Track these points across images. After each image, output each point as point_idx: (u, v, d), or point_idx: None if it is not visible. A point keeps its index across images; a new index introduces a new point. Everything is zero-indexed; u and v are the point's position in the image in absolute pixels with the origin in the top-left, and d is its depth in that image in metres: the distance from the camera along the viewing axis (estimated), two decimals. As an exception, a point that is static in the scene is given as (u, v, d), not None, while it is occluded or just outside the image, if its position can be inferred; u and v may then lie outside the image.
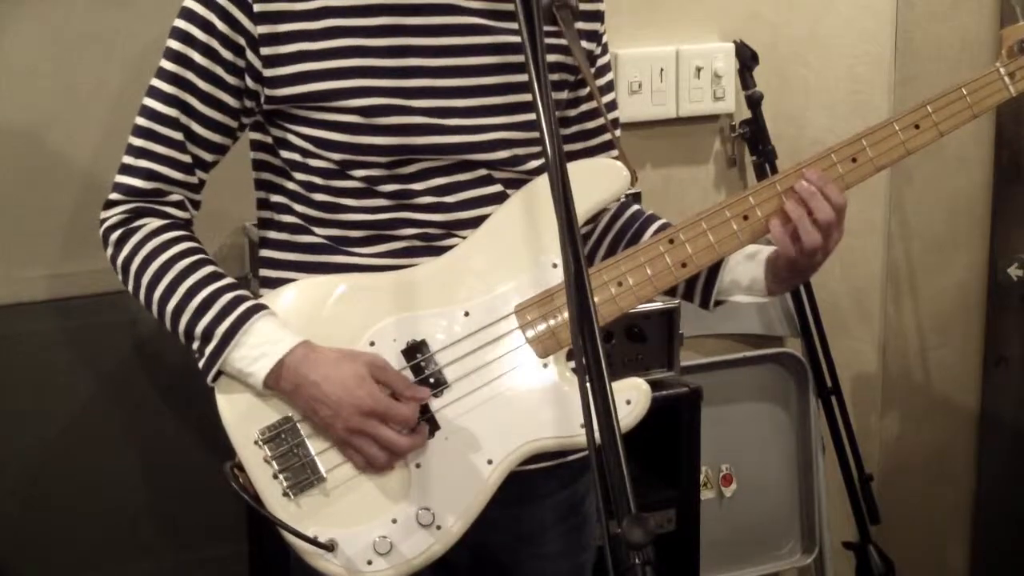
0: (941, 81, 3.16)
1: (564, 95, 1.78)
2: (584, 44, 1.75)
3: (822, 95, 3.04)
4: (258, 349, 1.61)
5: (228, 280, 1.67)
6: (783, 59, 2.99)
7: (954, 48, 3.13)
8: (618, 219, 1.84)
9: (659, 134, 2.89)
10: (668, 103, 2.86)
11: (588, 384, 1.22)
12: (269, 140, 1.71)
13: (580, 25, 1.74)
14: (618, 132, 1.85)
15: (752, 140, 2.92)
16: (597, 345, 1.23)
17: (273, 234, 1.75)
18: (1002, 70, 1.72)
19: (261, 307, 1.64)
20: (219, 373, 1.64)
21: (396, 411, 1.60)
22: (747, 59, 2.88)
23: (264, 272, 1.76)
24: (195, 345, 1.65)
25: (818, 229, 1.66)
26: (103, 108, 2.42)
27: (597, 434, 1.21)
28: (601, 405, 1.21)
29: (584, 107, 1.82)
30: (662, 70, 2.84)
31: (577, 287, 1.25)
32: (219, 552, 2.54)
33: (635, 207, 1.86)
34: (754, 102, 2.89)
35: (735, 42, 2.89)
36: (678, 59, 2.85)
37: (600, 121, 1.83)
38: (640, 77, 2.82)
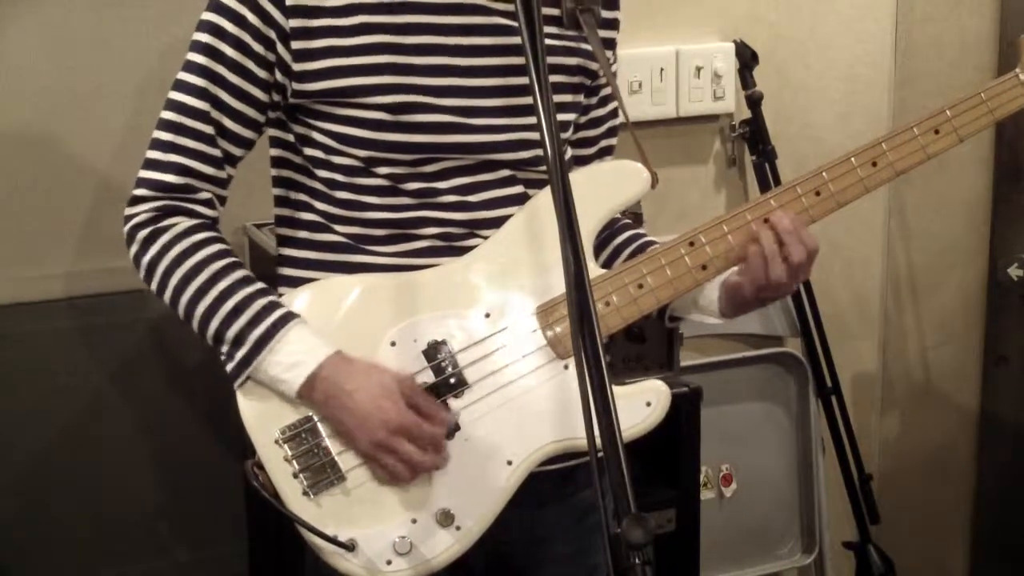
0: (941, 81, 3.18)
1: (580, 99, 1.78)
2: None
3: (822, 95, 3.05)
4: (293, 357, 1.60)
5: (260, 285, 1.65)
6: (783, 59, 2.99)
7: (954, 48, 3.14)
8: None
9: (659, 134, 2.89)
10: (668, 103, 2.86)
11: (588, 384, 1.22)
12: (290, 137, 1.70)
13: (599, 32, 1.74)
14: (615, 140, 1.87)
15: (752, 140, 2.92)
16: (598, 346, 1.23)
17: (292, 232, 1.74)
18: (1021, 76, 1.72)
19: (295, 314, 1.63)
20: (248, 378, 1.63)
21: (424, 431, 1.60)
22: (747, 59, 2.88)
23: (283, 270, 1.75)
24: (224, 349, 1.64)
25: (787, 268, 1.65)
26: (111, 108, 2.42)
27: (598, 436, 1.21)
28: (601, 405, 1.21)
29: (592, 114, 1.83)
30: (662, 70, 2.84)
31: (577, 287, 1.25)
32: (219, 552, 2.54)
33: (624, 221, 1.86)
34: (754, 102, 2.89)
35: (735, 42, 2.90)
36: (678, 59, 2.85)
37: (602, 129, 1.84)
38: (640, 77, 2.82)
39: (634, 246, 1.81)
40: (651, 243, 1.79)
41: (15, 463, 2.40)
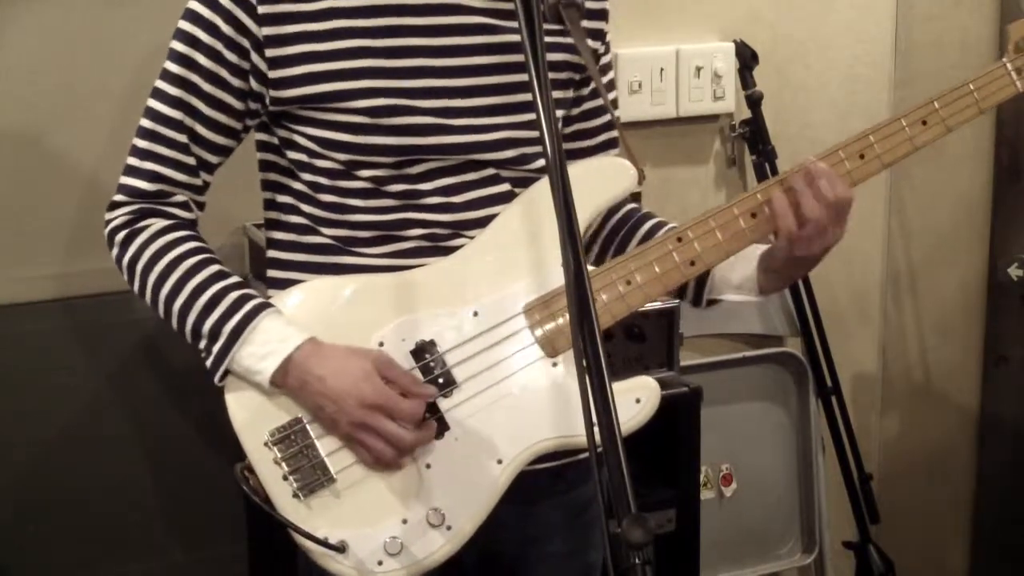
0: (941, 81, 3.16)
1: (570, 94, 1.78)
2: (589, 42, 1.74)
3: (822, 95, 3.05)
4: (266, 347, 1.61)
5: (234, 279, 1.67)
6: (783, 59, 2.99)
7: (954, 48, 3.14)
8: (612, 217, 1.84)
9: (659, 134, 2.89)
10: (668, 103, 2.86)
11: (588, 384, 1.22)
12: (275, 141, 1.71)
13: (585, 23, 1.73)
14: (616, 132, 1.85)
15: (752, 140, 2.92)
16: (598, 345, 1.23)
17: (280, 234, 1.74)
18: (1009, 65, 1.71)
19: (267, 304, 1.64)
20: (227, 372, 1.64)
21: (399, 406, 1.59)
22: (747, 59, 2.88)
23: (271, 273, 1.76)
24: (202, 344, 1.65)
25: (821, 205, 1.63)
26: (106, 108, 2.42)
27: (597, 435, 1.20)
28: (601, 404, 1.21)
29: (586, 106, 1.82)
30: (662, 70, 2.84)
31: (577, 287, 1.25)
32: (219, 552, 2.54)
33: (630, 205, 1.85)
34: (754, 102, 2.89)
35: (735, 42, 2.90)
36: (678, 59, 2.85)
37: (600, 120, 1.82)
38: (640, 77, 2.82)
39: (631, 223, 1.81)
40: (648, 217, 1.80)
41: (14, 463, 2.40)
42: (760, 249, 1.72)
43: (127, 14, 2.43)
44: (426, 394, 1.62)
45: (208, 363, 1.65)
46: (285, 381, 1.61)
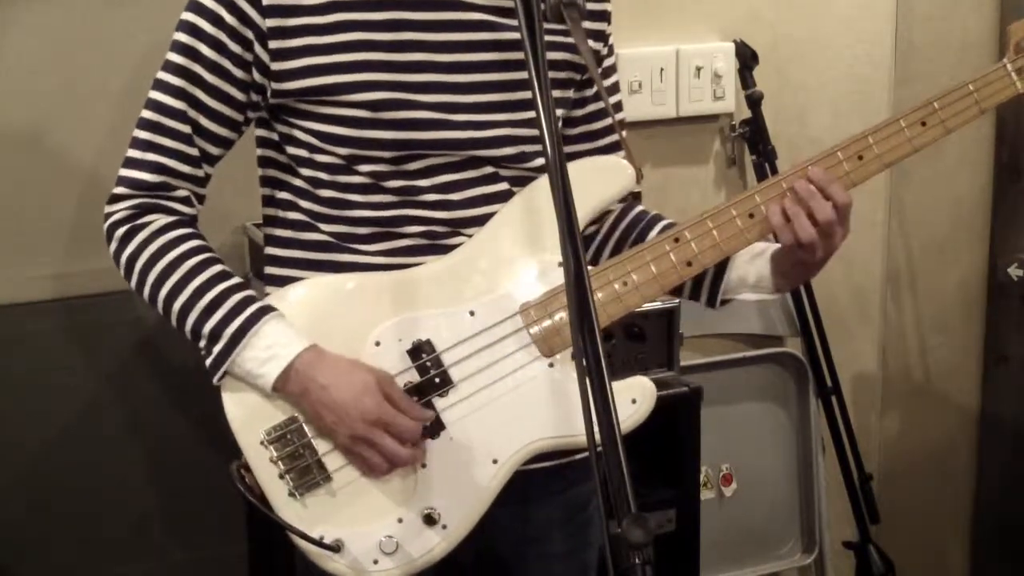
0: (941, 81, 3.16)
1: (571, 94, 1.78)
2: (590, 44, 1.74)
3: (822, 95, 3.04)
4: (268, 352, 1.61)
5: (236, 280, 1.67)
6: (783, 59, 2.99)
7: (954, 48, 3.13)
8: (623, 220, 1.83)
9: (659, 134, 2.89)
10: (668, 103, 2.86)
11: (588, 384, 1.22)
12: (275, 136, 1.71)
13: (586, 24, 1.73)
14: (624, 133, 1.85)
15: (752, 140, 2.92)
16: (597, 345, 1.23)
17: (278, 231, 1.74)
18: (1009, 66, 1.70)
19: (270, 309, 1.64)
20: (225, 373, 1.64)
21: (400, 423, 1.60)
22: (747, 59, 2.88)
23: (269, 269, 1.76)
24: (202, 344, 1.65)
25: (815, 226, 1.64)
26: (105, 107, 2.42)
27: (597, 434, 1.20)
28: (601, 404, 1.21)
29: (591, 107, 1.81)
30: (662, 70, 2.84)
31: (577, 287, 1.25)
32: (219, 552, 2.54)
33: (640, 208, 1.85)
34: (754, 102, 2.89)
35: (735, 42, 2.89)
36: (678, 59, 2.85)
37: (607, 122, 1.82)
38: (640, 77, 2.82)
39: (641, 225, 1.80)
40: (659, 219, 1.80)
41: (14, 463, 2.40)
42: (773, 248, 1.72)
43: (127, 14, 2.42)
44: (423, 417, 1.62)
45: (207, 363, 1.65)
46: (286, 387, 1.62)
